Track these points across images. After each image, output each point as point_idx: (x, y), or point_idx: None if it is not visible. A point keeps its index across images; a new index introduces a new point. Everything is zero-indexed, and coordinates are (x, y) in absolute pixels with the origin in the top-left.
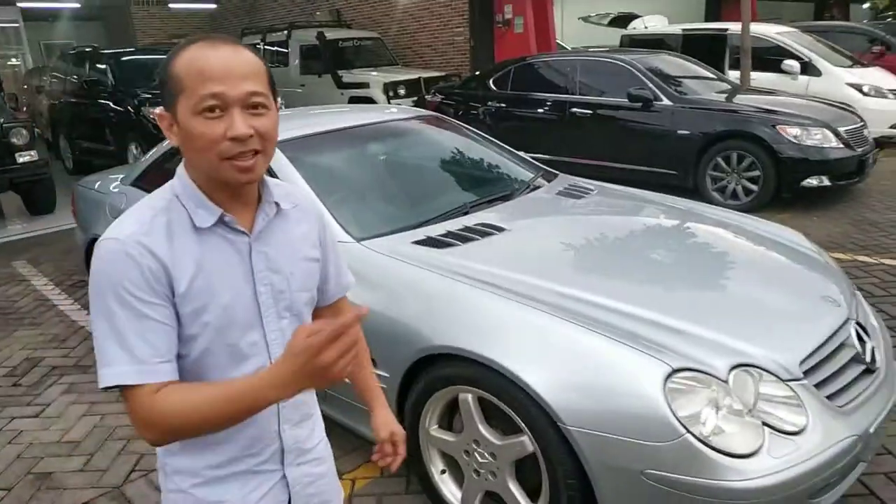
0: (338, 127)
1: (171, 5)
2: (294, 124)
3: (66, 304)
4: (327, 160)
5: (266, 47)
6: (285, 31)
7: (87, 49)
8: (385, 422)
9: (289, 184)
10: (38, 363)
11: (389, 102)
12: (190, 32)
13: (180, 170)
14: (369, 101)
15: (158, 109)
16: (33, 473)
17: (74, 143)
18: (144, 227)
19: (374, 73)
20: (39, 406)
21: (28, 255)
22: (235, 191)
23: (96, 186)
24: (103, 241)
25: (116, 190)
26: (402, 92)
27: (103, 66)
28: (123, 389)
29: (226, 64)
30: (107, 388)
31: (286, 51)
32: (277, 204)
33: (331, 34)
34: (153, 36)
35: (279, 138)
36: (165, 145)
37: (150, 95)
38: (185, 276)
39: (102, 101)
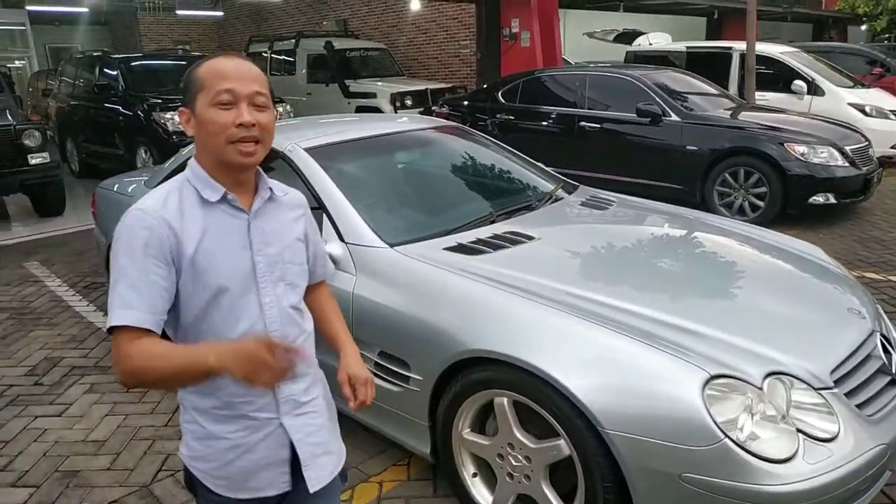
0: (366, 135)
1: (178, 12)
2: (323, 132)
3: (82, 306)
4: (356, 167)
5: (273, 55)
6: (293, 40)
7: (97, 53)
8: (345, 363)
9: (278, 182)
10: (58, 363)
11: (396, 112)
12: (196, 39)
13: (192, 160)
14: (376, 110)
15: (169, 115)
16: (60, 471)
17: (81, 146)
18: (161, 202)
19: (381, 84)
20: (62, 405)
21: (40, 256)
22: (237, 176)
23: (116, 189)
24: (129, 211)
25: (140, 193)
26: (408, 102)
27: (114, 71)
28: (116, 331)
29: (238, 68)
30: (110, 330)
31: (293, 59)
32: (271, 189)
33: (338, 44)
34: (159, 42)
35: (310, 145)
36: (186, 152)
37: (160, 101)
38: (192, 241)
39: (112, 106)
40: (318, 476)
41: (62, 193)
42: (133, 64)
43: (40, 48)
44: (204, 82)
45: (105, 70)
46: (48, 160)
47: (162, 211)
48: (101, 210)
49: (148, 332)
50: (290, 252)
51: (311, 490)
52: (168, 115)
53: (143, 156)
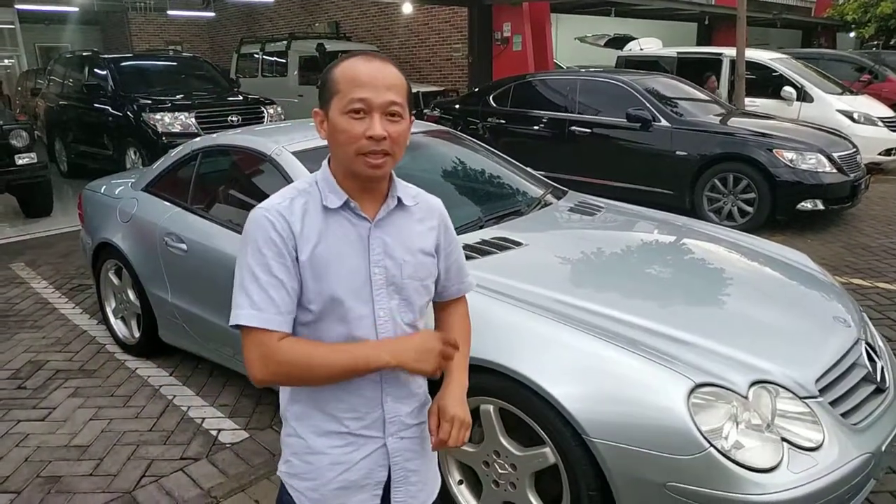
0: None
1: (168, 12)
2: (312, 134)
3: (67, 308)
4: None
5: (265, 57)
6: (284, 42)
7: (87, 53)
8: (443, 394)
9: (417, 188)
10: (42, 366)
11: None
12: (187, 40)
13: (324, 163)
14: None
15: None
16: (42, 477)
17: (70, 146)
18: (286, 203)
19: None
20: (45, 409)
21: (25, 257)
22: (365, 184)
23: (102, 190)
24: (255, 210)
25: (128, 195)
26: None
27: (104, 71)
28: (246, 331)
29: (374, 74)
30: (235, 326)
31: (285, 61)
32: (399, 198)
33: (330, 46)
34: (149, 42)
35: (298, 148)
36: (174, 154)
37: (150, 101)
38: (308, 245)
39: (101, 106)
40: (404, 500)
41: (50, 194)
42: (123, 64)
43: (29, 47)
44: (338, 86)
45: (95, 70)
46: (35, 160)
47: (284, 210)
48: (88, 212)
49: (278, 332)
50: (413, 266)
51: None
52: (158, 116)
53: (133, 157)
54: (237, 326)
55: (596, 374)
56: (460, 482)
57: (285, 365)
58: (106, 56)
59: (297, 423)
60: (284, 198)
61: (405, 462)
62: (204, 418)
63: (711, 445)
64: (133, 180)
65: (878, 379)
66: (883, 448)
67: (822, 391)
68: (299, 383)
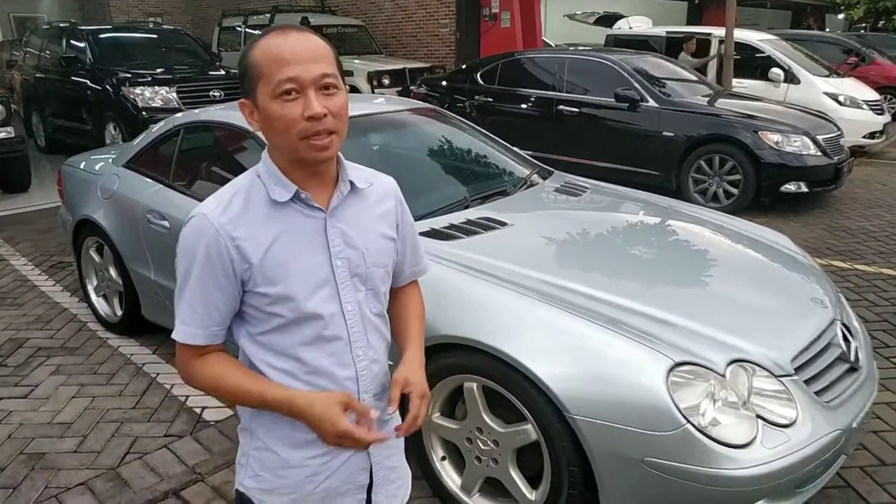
0: None
1: None
2: None
3: (48, 286)
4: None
5: (248, 30)
6: (268, 15)
7: (64, 24)
8: (402, 368)
9: (368, 169)
10: (23, 344)
11: (374, 92)
12: (168, 11)
13: (264, 154)
14: (353, 89)
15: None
16: (25, 454)
17: (48, 120)
18: (223, 206)
19: (358, 62)
20: (28, 387)
21: (4, 233)
22: (313, 170)
23: (82, 166)
24: (190, 215)
25: (108, 171)
26: (386, 81)
27: (82, 43)
28: (180, 344)
29: (296, 48)
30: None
31: None
32: (352, 182)
33: (314, 20)
34: (129, 13)
35: None
36: (155, 129)
37: (129, 75)
38: (259, 248)
39: (80, 79)
40: (385, 502)
41: (27, 169)
42: (102, 36)
43: (4, 17)
44: (261, 69)
45: (72, 42)
46: (12, 135)
47: (222, 217)
48: (67, 188)
49: (207, 346)
50: (375, 254)
51: None
52: (138, 91)
53: (112, 132)
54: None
55: (577, 352)
56: (443, 458)
57: (199, 383)
58: (84, 28)
59: (268, 437)
60: (220, 201)
61: (385, 461)
62: (188, 396)
63: (689, 422)
64: (114, 156)
65: (852, 358)
66: (854, 425)
67: (798, 370)
68: (222, 399)
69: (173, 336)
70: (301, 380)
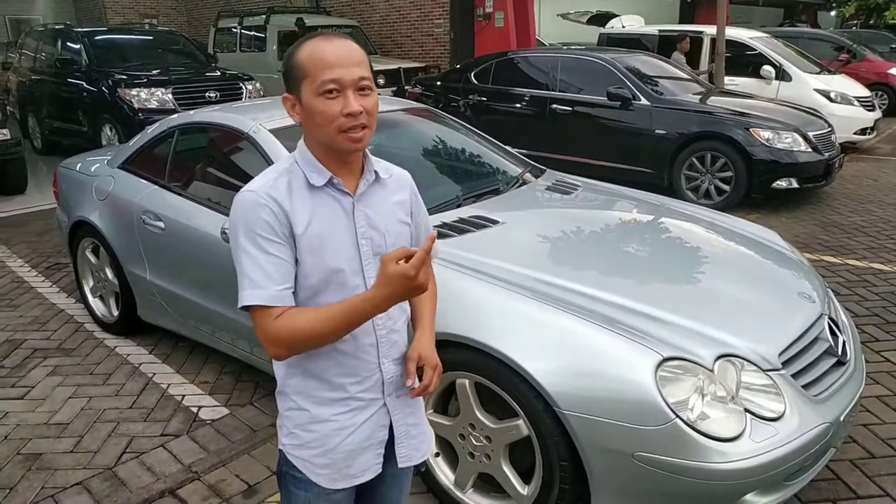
0: None
1: None
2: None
3: (44, 287)
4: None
5: (243, 31)
6: (263, 16)
7: (60, 26)
8: (415, 345)
9: (386, 162)
10: (20, 345)
11: None
12: (163, 13)
13: (301, 143)
14: None
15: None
16: (22, 454)
17: (44, 122)
18: (270, 183)
19: None
20: (24, 388)
21: (0, 236)
22: (345, 160)
23: (78, 168)
24: (241, 193)
25: (104, 172)
26: (381, 82)
27: (77, 45)
28: (252, 310)
29: (340, 53)
30: (244, 308)
31: (263, 36)
32: (376, 172)
33: (310, 20)
34: (124, 15)
35: (276, 126)
36: (151, 131)
37: (125, 77)
38: (302, 222)
39: (75, 81)
40: (409, 454)
41: (24, 171)
42: (97, 38)
43: (0, 19)
44: (307, 70)
45: (68, 43)
46: (8, 137)
47: (273, 192)
48: (63, 190)
49: (281, 307)
50: (394, 235)
51: (401, 465)
52: (134, 92)
53: (108, 133)
54: (245, 308)
55: (568, 348)
56: (437, 454)
57: (285, 336)
58: (79, 29)
59: (298, 396)
60: (268, 178)
61: (405, 418)
62: (184, 395)
63: (677, 416)
64: (109, 157)
65: (840, 352)
66: (842, 418)
67: (785, 364)
68: (312, 348)
69: (248, 302)
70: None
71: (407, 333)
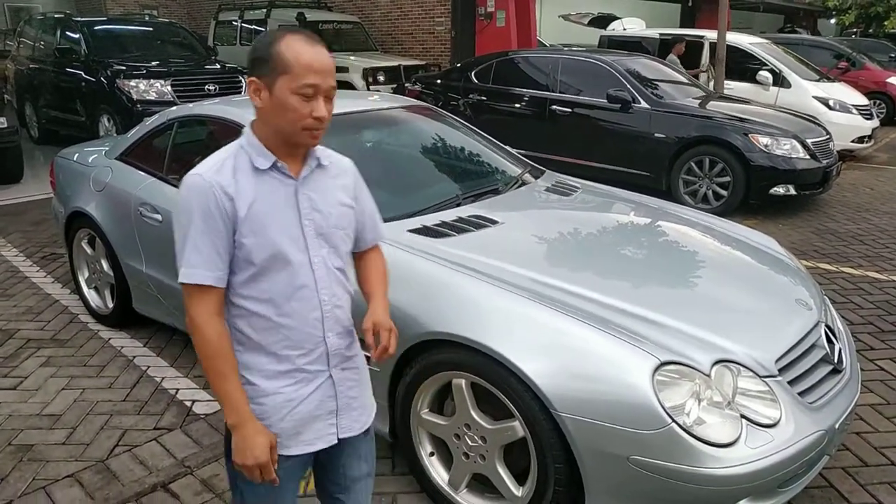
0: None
1: None
2: None
3: (39, 277)
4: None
5: (244, 25)
6: (264, 10)
7: (59, 15)
8: (369, 316)
9: (328, 149)
10: (13, 335)
11: (368, 88)
12: (163, 4)
13: (247, 129)
14: (348, 86)
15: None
16: (14, 445)
17: (41, 111)
18: (216, 167)
19: (354, 59)
20: (17, 378)
21: None
22: (294, 149)
23: (75, 158)
24: (189, 176)
25: (101, 163)
26: (381, 78)
27: (76, 35)
28: (185, 287)
29: (321, 60)
30: (182, 284)
31: (264, 30)
32: (318, 158)
33: (311, 15)
34: (124, 5)
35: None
36: (149, 122)
37: (124, 67)
38: (245, 204)
39: (74, 71)
40: (348, 425)
41: (20, 160)
42: (97, 28)
43: None
44: (290, 67)
45: (67, 33)
46: (6, 125)
47: (217, 176)
48: (60, 180)
49: (212, 287)
50: (336, 217)
51: (340, 436)
52: (133, 83)
53: (107, 124)
54: (182, 284)
55: (565, 350)
56: (431, 454)
57: (199, 334)
58: (79, 19)
59: (247, 371)
60: (214, 163)
61: (347, 391)
62: (178, 389)
63: (674, 421)
64: (107, 148)
65: (836, 360)
66: (837, 426)
67: (782, 371)
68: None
69: (181, 280)
70: (273, 321)
71: (350, 311)
